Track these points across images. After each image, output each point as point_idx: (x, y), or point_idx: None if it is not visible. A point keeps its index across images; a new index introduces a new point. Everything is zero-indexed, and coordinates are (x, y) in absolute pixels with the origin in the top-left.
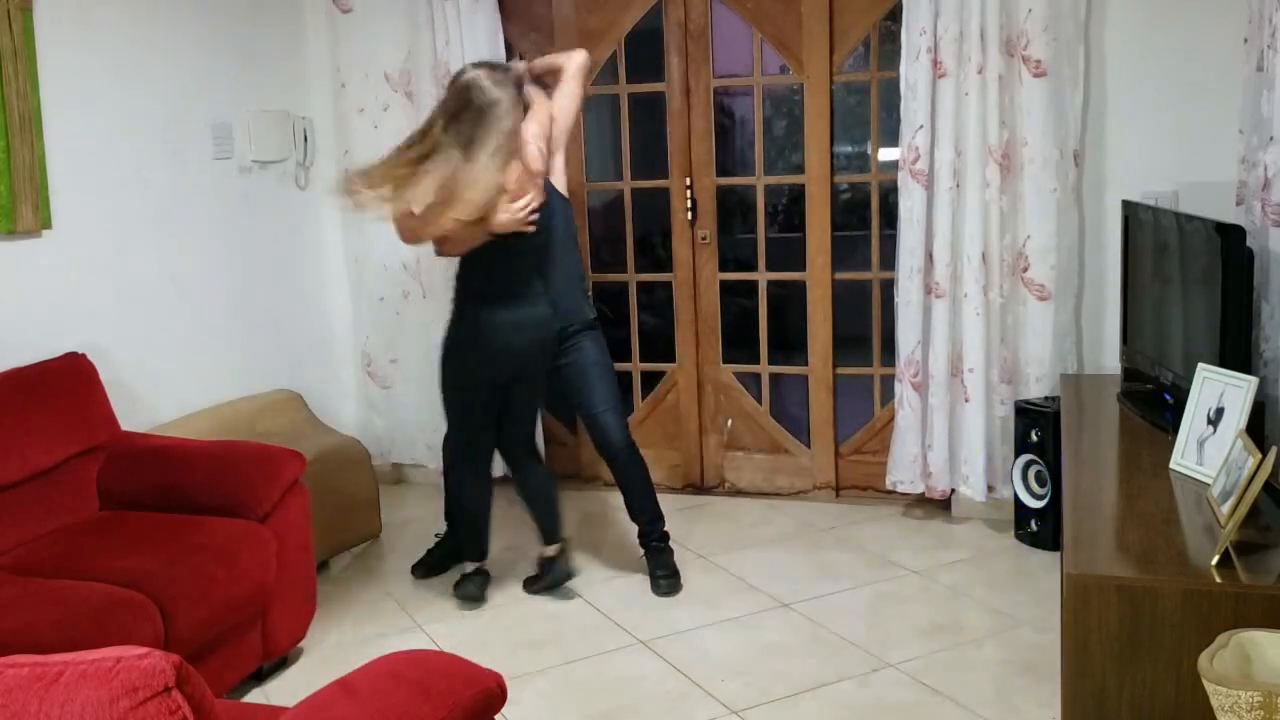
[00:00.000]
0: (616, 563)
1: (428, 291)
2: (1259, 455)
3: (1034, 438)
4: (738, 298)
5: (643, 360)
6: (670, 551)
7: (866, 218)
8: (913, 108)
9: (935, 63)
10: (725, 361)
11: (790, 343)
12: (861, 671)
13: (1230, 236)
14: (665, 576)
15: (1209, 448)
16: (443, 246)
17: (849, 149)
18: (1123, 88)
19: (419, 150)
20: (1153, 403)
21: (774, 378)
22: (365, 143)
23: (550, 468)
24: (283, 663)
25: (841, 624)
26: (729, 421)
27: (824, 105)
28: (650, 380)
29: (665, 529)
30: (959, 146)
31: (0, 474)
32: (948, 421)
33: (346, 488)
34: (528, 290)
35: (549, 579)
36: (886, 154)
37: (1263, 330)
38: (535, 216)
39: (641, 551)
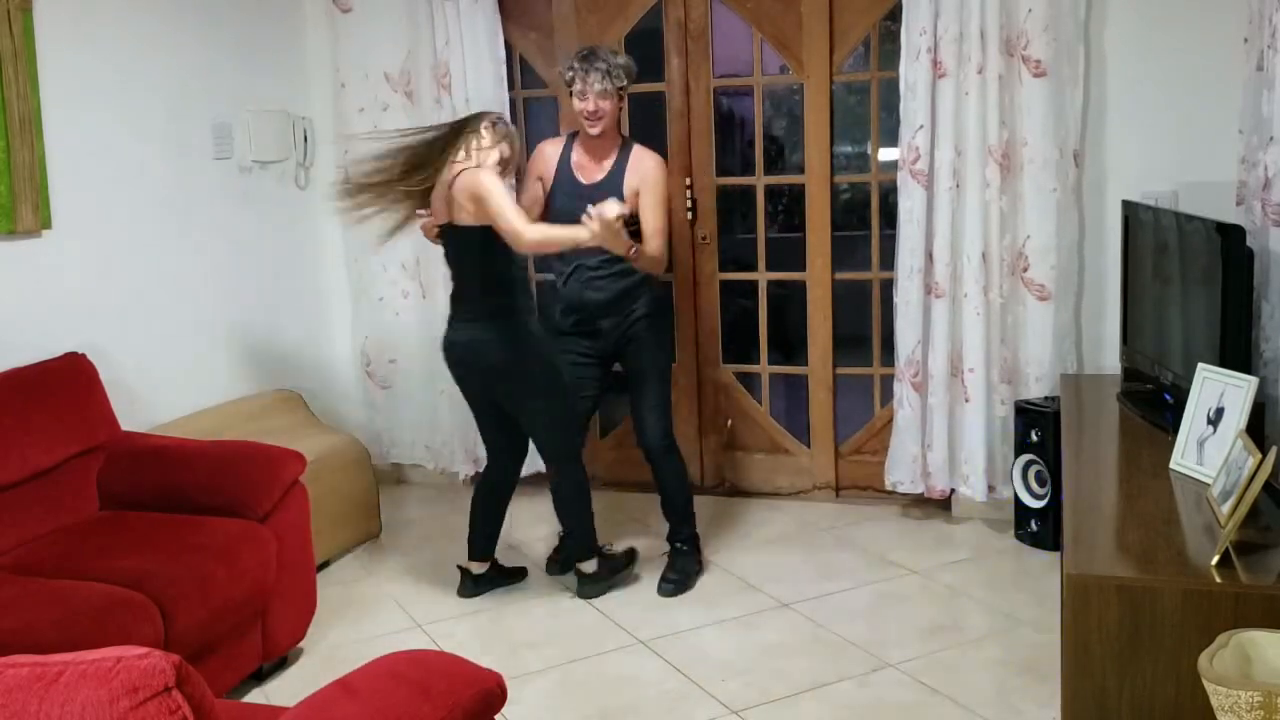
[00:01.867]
0: None
1: (427, 291)
2: (1259, 455)
3: (1034, 438)
4: (738, 298)
5: None
6: (687, 556)
7: (866, 218)
8: (912, 108)
9: (935, 63)
10: (725, 361)
11: (790, 343)
12: (861, 671)
13: (1230, 236)
14: (673, 580)
15: (1209, 448)
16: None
17: (849, 149)
18: (1123, 88)
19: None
20: (1153, 403)
21: (774, 378)
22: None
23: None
24: (283, 663)
25: (841, 624)
26: (729, 421)
27: (824, 105)
28: None
29: (693, 533)
30: (959, 146)
31: (0, 474)
32: (947, 421)
33: (346, 488)
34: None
35: (578, 590)
36: (886, 154)
37: (1263, 330)
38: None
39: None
